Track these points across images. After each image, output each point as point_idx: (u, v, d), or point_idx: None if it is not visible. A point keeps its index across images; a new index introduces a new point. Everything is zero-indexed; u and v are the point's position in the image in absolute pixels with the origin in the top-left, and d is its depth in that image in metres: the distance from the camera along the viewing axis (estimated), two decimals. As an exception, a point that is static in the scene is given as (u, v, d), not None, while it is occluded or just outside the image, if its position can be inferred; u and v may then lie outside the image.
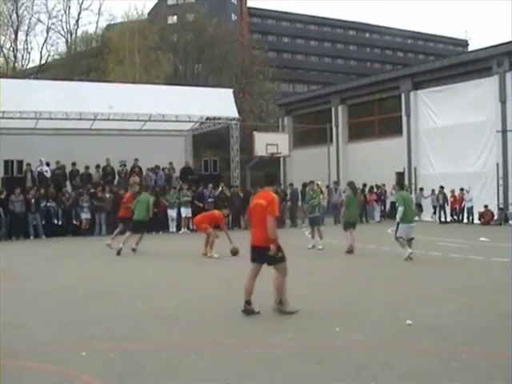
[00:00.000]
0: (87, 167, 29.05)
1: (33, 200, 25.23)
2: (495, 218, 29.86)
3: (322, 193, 22.52)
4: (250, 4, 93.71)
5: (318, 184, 21.43)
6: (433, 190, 32.52)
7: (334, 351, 7.26)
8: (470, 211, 30.98)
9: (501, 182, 30.72)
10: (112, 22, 67.31)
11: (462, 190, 31.39)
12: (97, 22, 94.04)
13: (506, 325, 8.40)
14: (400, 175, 34.95)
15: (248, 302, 9.39)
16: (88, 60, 65.81)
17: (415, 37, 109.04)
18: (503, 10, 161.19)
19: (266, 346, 7.58)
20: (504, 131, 30.59)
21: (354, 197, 19.41)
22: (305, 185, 23.67)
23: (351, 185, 19.64)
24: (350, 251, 18.00)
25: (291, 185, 33.05)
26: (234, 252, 17.43)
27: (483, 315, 9.15)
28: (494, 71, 31.14)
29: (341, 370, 6.48)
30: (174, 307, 10.05)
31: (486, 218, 29.85)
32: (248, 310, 9.35)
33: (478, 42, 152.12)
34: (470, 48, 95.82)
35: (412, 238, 16.57)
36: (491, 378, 6.14)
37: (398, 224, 16.47)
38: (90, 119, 29.79)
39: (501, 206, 30.44)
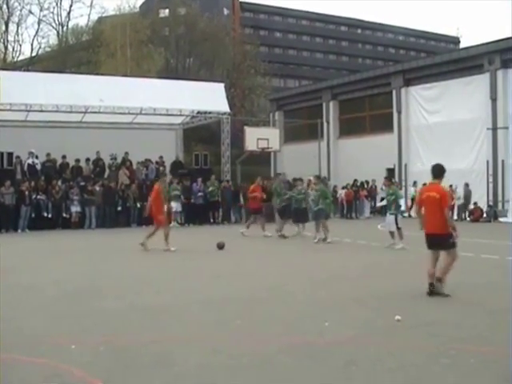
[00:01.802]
0: (77, 160, 28.97)
1: (26, 192, 25.15)
2: (484, 215, 29.97)
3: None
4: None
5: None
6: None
7: (324, 347, 7.27)
8: (459, 207, 31.08)
9: (490, 179, 30.86)
10: (104, 15, 67.04)
11: (450, 186, 31.44)
12: (88, 15, 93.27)
13: (496, 322, 8.45)
14: (390, 171, 35.09)
15: (432, 285, 10.22)
16: (79, 53, 65.61)
17: (407, 33, 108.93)
18: (495, 8, 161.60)
19: (255, 340, 7.58)
20: (494, 129, 30.73)
21: (325, 190, 20.78)
22: (295, 180, 23.82)
23: (323, 180, 20.63)
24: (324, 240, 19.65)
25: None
26: (221, 246, 17.39)
27: (473, 312, 9.18)
28: (485, 69, 31.28)
29: (331, 366, 6.49)
30: (163, 301, 10.04)
31: (476, 214, 29.97)
32: (433, 292, 10.18)
33: (469, 39, 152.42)
34: (462, 45, 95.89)
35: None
36: (480, 375, 6.16)
37: (396, 216, 17.89)
38: (81, 112, 29.76)
39: (490, 203, 30.57)
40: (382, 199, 19.98)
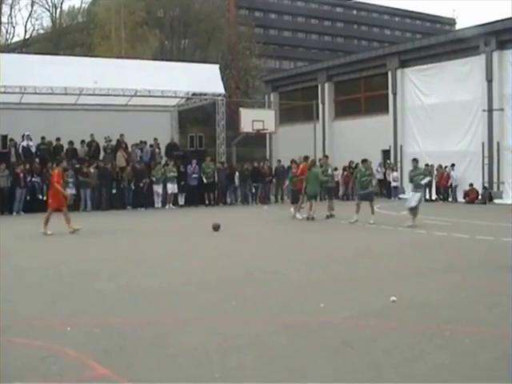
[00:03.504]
0: (71, 142, 28.85)
1: (21, 174, 25.09)
2: (479, 197, 30.02)
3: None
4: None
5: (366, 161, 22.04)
6: (427, 165, 31.39)
7: (319, 327, 7.29)
8: (455, 190, 31.21)
9: (486, 161, 30.88)
10: (98, -3, 66.69)
11: (446, 167, 31.54)
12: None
13: (491, 302, 8.48)
14: (385, 153, 35.17)
15: None
16: (73, 35, 65.41)
17: (402, 15, 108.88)
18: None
19: (250, 322, 7.60)
20: (490, 110, 30.70)
21: (310, 171, 21.57)
22: (293, 161, 24.35)
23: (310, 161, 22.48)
24: (311, 219, 20.88)
25: (279, 161, 33.06)
26: (216, 227, 17.39)
27: (468, 293, 9.21)
28: (480, 50, 31.19)
29: (325, 346, 6.51)
30: (158, 283, 10.04)
31: (471, 196, 30.01)
32: None
33: (465, 21, 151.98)
34: (458, 27, 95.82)
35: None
36: (473, 355, 6.19)
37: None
38: (76, 94, 29.64)
39: (485, 184, 30.60)
40: (423, 177, 20.17)
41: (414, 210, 18.79)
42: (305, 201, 21.74)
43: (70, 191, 26.37)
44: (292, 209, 22.52)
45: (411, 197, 19.34)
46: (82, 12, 68.29)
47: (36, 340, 6.72)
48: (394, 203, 29.16)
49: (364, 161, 21.54)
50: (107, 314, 8.00)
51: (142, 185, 27.66)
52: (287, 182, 25.88)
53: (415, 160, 20.29)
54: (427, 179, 21.26)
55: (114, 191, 27.43)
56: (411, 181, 19.72)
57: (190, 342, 6.68)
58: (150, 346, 6.55)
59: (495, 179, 30.65)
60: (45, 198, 21.58)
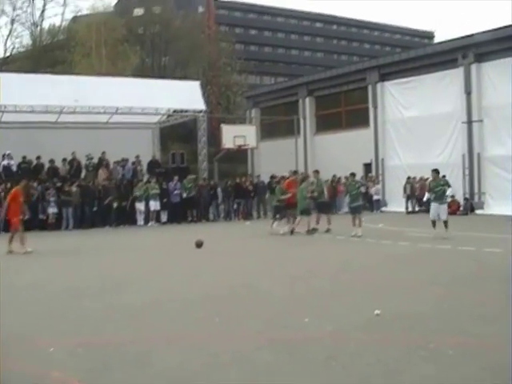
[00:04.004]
0: (52, 161, 28.74)
1: (2, 194, 24.86)
2: (461, 208, 30.16)
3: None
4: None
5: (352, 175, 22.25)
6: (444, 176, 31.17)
7: (304, 342, 7.27)
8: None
9: (466, 172, 31.08)
10: (78, 14, 66.66)
11: (427, 179, 31.65)
12: (62, 14, 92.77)
13: (474, 313, 8.50)
14: (367, 166, 35.26)
15: None
16: (54, 52, 65.10)
17: (381, 29, 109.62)
18: (468, 2, 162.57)
19: (234, 338, 7.57)
20: (469, 122, 30.95)
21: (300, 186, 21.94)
22: (272, 177, 24.44)
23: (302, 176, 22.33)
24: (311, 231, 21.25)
25: (258, 177, 33.12)
26: (199, 244, 17.33)
27: (452, 304, 9.22)
28: (459, 63, 31.48)
29: (310, 361, 6.49)
30: (141, 301, 9.99)
31: (453, 207, 30.12)
32: None
33: (443, 33, 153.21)
34: (436, 40, 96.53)
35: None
36: (458, 366, 6.20)
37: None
38: (56, 112, 29.55)
39: (466, 196, 30.77)
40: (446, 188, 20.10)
41: (446, 223, 18.79)
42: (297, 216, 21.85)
43: (52, 210, 26.32)
44: (275, 224, 22.36)
45: (435, 209, 19.12)
46: (63, 30, 68.10)
47: (18, 362, 6.65)
48: (376, 216, 29.26)
49: (352, 174, 21.88)
50: (91, 333, 7.94)
51: (124, 203, 27.54)
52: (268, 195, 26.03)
53: (436, 171, 20.08)
54: (450, 190, 21.17)
55: (95, 209, 27.28)
56: (431, 191, 19.69)
57: (175, 360, 6.64)
58: (135, 365, 6.51)
59: (476, 190, 30.83)
60: (2, 218, 21.15)
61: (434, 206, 19.18)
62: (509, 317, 7.95)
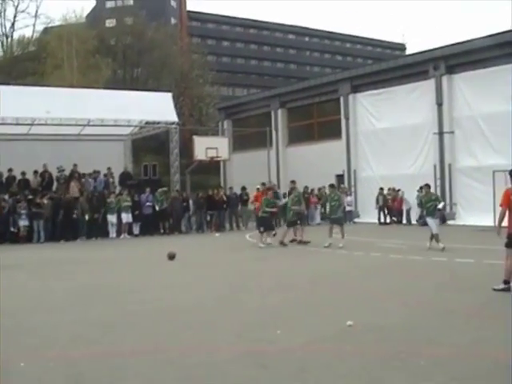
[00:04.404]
0: (23, 173, 28.52)
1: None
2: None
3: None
4: (189, 7, 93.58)
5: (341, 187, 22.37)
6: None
7: (276, 354, 7.27)
8: (408, 212, 31.53)
9: (438, 183, 31.28)
10: (50, 25, 66.28)
11: (399, 190, 31.92)
12: (33, 25, 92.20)
13: (445, 323, 8.55)
14: (339, 177, 35.34)
15: (506, 282, 10.74)
16: (25, 64, 64.62)
17: (354, 41, 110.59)
18: (439, 14, 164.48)
19: (207, 351, 7.54)
20: (441, 133, 31.20)
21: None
22: (244, 188, 24.51)
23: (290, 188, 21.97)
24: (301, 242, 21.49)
25: (231, 188, 33.10)
26: (171, 256, 17.27)
27: (423, 314, 9.28)
28: (430, 75, 31.74)
29: (283, 373, 6.49)
30: (113, 314, 9.92)
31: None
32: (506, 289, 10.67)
33: (414, 46, 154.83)
34: (407, 52, 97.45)
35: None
36: (429, 376, 6.22)
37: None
38: (28, 124, 29.29)
39: (439, 207, 30.95)
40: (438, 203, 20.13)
41: (437, 236, 18.63)
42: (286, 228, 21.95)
43: (23, 223, 26.03)
44: (268, 239, 22.15)
45: (433, 223, 19.07)
46: (34, 41, 67.67)
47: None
48: (348, 227, 29.31)
49: (331, 186, 21.97)
50: (62, 347, 7.86)
51: (96, 215, 27.34)
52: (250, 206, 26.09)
53: (427, 185, 20.23)
54: (442, 204, 21.21)
55: (67, 222, 27.03)
56: (421, 205, 19.73)
57: (149, 374, 6.59)
58: (108, 378, 6.46)
59: (448, 201, 31.03)
60: None
61: (429, 220, 19.21)
62: (480, 326, 8.01)
